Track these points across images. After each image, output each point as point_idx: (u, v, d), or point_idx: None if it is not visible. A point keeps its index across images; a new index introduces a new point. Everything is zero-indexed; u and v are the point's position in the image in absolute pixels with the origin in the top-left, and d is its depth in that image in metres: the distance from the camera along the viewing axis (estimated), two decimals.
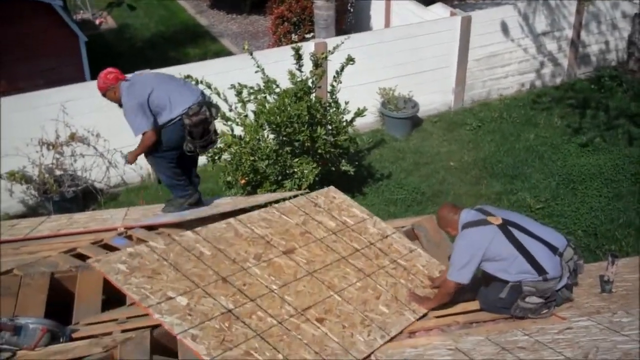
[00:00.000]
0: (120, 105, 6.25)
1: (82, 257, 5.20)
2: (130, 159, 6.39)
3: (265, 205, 7.06)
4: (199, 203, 6.66)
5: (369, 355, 4.17)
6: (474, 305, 4.89)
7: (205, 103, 6.30)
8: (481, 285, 4.83)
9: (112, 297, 4.73)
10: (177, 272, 4.31)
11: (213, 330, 3.90)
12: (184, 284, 4.22)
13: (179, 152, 6.36)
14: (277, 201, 7.32)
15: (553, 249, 4.72)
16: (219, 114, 6.47)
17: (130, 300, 4.23)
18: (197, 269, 4.40)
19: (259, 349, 3.88)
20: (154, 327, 3.99)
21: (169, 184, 6.58)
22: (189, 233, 4.74)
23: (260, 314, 4.18)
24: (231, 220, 5.03)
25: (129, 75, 6.41)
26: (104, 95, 6.35)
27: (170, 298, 4.05)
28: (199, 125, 6.20)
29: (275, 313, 4.24)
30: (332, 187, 5.98)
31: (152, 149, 6.28)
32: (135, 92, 6.14)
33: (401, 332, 4.49)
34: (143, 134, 6.14)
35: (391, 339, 4.40)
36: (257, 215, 5.21)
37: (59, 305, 4.50)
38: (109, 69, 6.37)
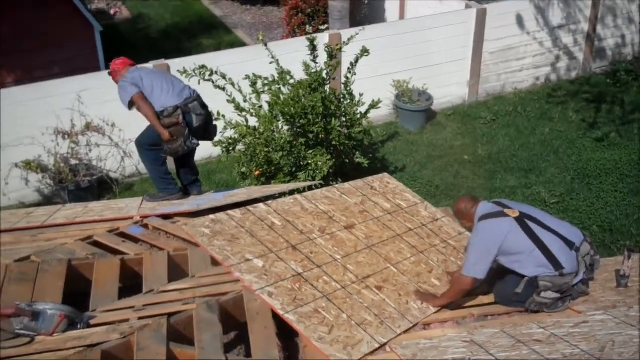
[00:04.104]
0: None
1: (99, 245, 5.22)
2: (163, 137, 6.44)
3: (280, 196, 7.10)
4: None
5: (384, 345, 4.19)
6: (489, 298, 4.89)
7: (186, 108, 6.41)
8: (497, 278, 4.81)
9: (129, 285, 4.76)
10: (253, 238, 4.80)
11: (286, 290, 4.35)
12: (259, 249, 4.70)
13: (163, 152, 6.57)
14: (291, 192, 7.36)
15: (570, 243, 4.69)
16: (200, 121, 6.53)
17: (214, 259, 4.60)
18: (270, 236, 4.88)
19: (326, 308, 4.31)
20: (171, 314, 4.01)
21: (153, 178, 6.85)
22: (261, 205, 5.27)
23: (325, 279, 4.63)
24: (297, 196, 5.58)
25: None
26: (115, 80, 6.65)
27: (248, 260, 4.54)
28: (169, 128, 6.36)
29: (339, 279, 4.68)
30: (385, 174, 6.54)
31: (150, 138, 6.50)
32: (129, 75, 6.47)
33: (416, 324, 4.51)
34: (132, 102, 6.38)
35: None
36: (320, 193, 5.74)
37: (76, 292, 4.52)
38: (120, 57, 6.77)
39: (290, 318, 4.10)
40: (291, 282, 4.44)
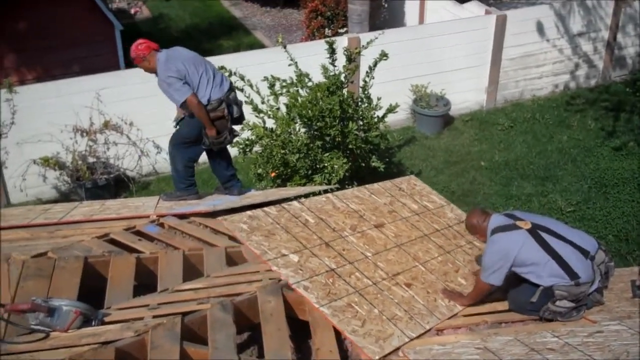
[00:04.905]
0: (157, 75, 6.37)
1: (115, 243, 5.25)
2: (209, 133, 6.39)
3: (295, 198, 7.12)
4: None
5: (398, 349, 4.19)
6: (503, 305, 4.89)
7: (228, 100, 6.37)
8: (511, 286, 4.80)
9: (144, 284, 4.78)
10: (288, 234, 5.03)
11: (320, 284, 4.54)
12: (294, 245, 4.92)
13: (198, 151, 6.54)
14: (306, 195, 7.38)
15: (584, 252, 4.68)
16: (239, 111, 6.54)
17: (253, 254, 4.76)
18: (304, 233, 5.10)
19: (358, 303, 4.48)
20: (185, 313, 4.02)
21: (177, 176, 6.73)
22: (295, 203, 5.50)
23: (357, 275, 4.81)
24: (329, 195, 5.79)
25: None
26: (138, 65, 6.46)
27: (284, 255, 4.76)
28: (214, 122, 6.33)
29: (370, 275, 4.86)
30: (412, 176, 6.78)
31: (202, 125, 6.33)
32: (173, 66, 6.25)
33: (429, 330, 4.51)
34: (186, 102, 6.22)
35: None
36: (350, 192, 5.97)
37: (92, 289, 4.55)
38: (140, 40, 6.52)
39: (324, 311, 4.26)
40: (325, 277, 4.63)
